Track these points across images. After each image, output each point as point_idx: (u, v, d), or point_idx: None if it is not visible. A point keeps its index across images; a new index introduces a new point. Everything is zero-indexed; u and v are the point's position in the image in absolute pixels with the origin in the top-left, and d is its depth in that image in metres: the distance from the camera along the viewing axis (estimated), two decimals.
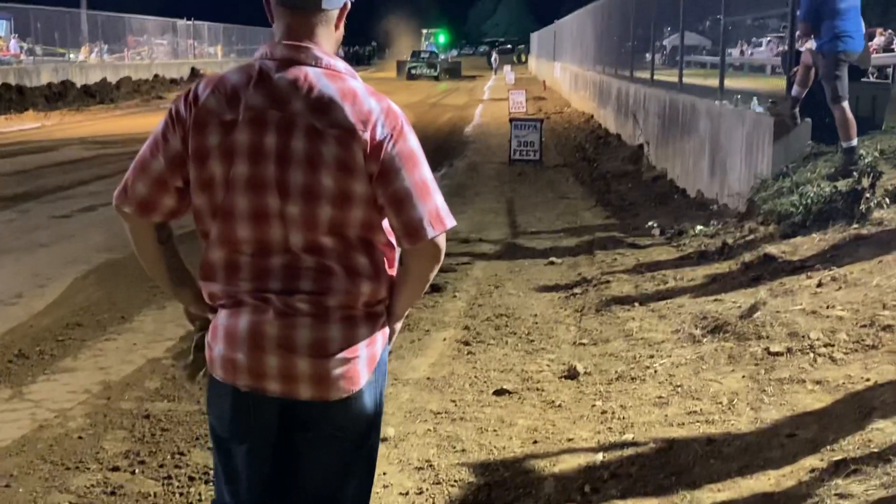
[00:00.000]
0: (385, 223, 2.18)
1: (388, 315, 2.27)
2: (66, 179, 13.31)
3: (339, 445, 2.26)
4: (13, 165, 14.85)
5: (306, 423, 2.21)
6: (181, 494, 3.89)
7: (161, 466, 4.15)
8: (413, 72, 52.84)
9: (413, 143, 2.15)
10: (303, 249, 2.12)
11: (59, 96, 28.99)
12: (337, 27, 2.20)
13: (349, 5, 2.22)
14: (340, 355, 2.15)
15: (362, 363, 2.19)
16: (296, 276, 2.13)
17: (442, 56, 62.20)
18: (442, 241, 2.18)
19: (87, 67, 34.49)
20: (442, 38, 72.83)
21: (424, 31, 74.13)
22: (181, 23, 47.72)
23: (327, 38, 2.18)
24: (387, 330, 2.29)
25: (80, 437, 4.47)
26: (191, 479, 4.03)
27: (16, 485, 3.98)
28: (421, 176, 2.13)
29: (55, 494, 3.90)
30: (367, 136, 2.07)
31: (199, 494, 3.89)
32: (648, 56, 16.69)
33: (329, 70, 2.14)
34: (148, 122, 23.34)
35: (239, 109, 2.09)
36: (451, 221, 2.17)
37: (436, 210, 2.14)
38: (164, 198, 2.17)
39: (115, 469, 4.12)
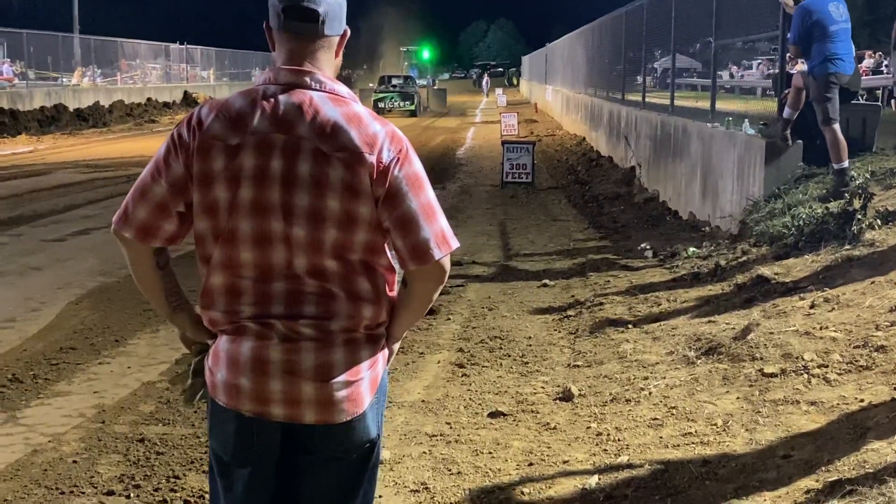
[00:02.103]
0: (386, 246, 2.20)
1: (388, 336, 2.29)
2: (59, 203, 13.30)
3: (341, 467, 2.27)
4: (6, 189, 14.83)
5: (309, 445, 2.22)
6: None
7: (156, 490, 4.13)
8: (379, 105, 37.45)
9: (417, 166, 2.18)
10: (306, 273, 2.13)
11: (52, 120, 29.00)
12: (337, 53, 2.24)
13: (349, 32, 2.26)
14: (344, 379, 2.16)
15: (365, 386, 2.21)
16: (299, 300, 2.14)
17: (422, 81, 49.22)
18: (447, 263, 2.21)
19: (79, 91, 34.52)
20: (426, 54, 59.94)
21: (404, 48, 60.61)
22: (174, 47, 47.83)
23: (328, 64, 2.21)
24: (386, 351, 2.31)
25: (74, 462, 4.45)
26: (186, 502, 4.01)
27: None
28: (426, 198, 2.17)
29: None
30: (373, 159, 2.10)
31: None
32: (639, 79, 16.80)
33: (332, 94, 2.17)
34: (141, 145, 23.39)
35: (244, 134, 2.11)
36: (455, 243, 2.21)
37: (441, 232, 2.17)
38: (165, 223, 2.18)
39: (110, 493, 4.11)
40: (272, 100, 2.13)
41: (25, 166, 18.63)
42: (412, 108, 38.80)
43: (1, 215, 12.17)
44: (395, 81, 41.67)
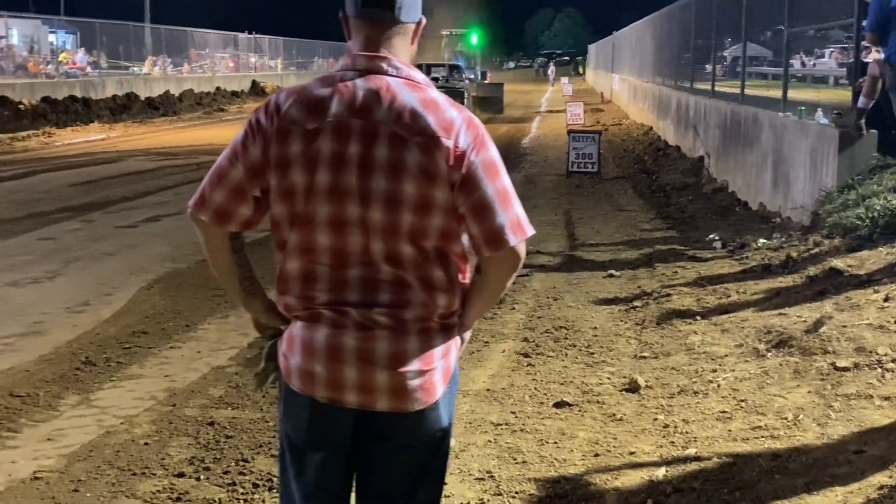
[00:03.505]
0: (459, 233, 2.20)
1: (460, 324, 2.29)
2: (130, 190, 13.57)
3: (413, 454, 2.28)
4: (80, 176, 15.18)
5: (382, 433, 2.23)
6: (245, 501, 3.93)
7: (225, 473, 4.20)
8: None
9: (494, 152, 2.18)
10: (382, 259, 2.14)
11: (124, 108, 29.58)
12: (413, 41, 2.24)
13: (424, 21, 2.26)
14: (417, 367, 2.17)
15: (438, 375, 2.21)
16: (374, 288, 2.15)
17: (470, 74, 36.11)
18: (522, 250, 2.20)
19: (150, 80, 35.17)
20: (475, 39, 43.16)
21: (446, 32, 43.15)
22: (242, 36, 48.44)
23: (404, 51, 2.22)
24: (458, 340, 2.31)
25: (146, 444, 4.54)
26: (255, 485, 4.07)
27: (84, 489, 4.06)
28: (502, 184, 2.17)
29: (122, 499, 3.97)
30: (450, 144, 2.11)
31: (263, 501, 3.93)
32: (708, 67, 16.55)
33: (409, 80, 2.18)
34: (210, 134, 23.75)
35: (322, 119, 2.12)
36: (530, 230, 2.20)
37: (517, 218, 2.17)
38: (241, 207, 2.19)
39: (181, 475, 4.18)
40: (350, 85, 2.14)
41: (98, 153, 19.04)
42: None
43: (75, 201, 12.46)
44: (435, 73, 30.23)
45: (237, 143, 2.19)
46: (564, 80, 48.42)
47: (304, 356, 2.18)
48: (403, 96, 2.14)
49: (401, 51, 2.21)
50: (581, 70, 73.95)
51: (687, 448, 4.26)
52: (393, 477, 2.30)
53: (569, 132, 16.44)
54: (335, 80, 2.17)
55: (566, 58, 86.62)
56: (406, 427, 2.22)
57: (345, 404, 2.18)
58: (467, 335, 2.37)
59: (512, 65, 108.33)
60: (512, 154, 19.47)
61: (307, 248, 2.16)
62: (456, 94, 25.55)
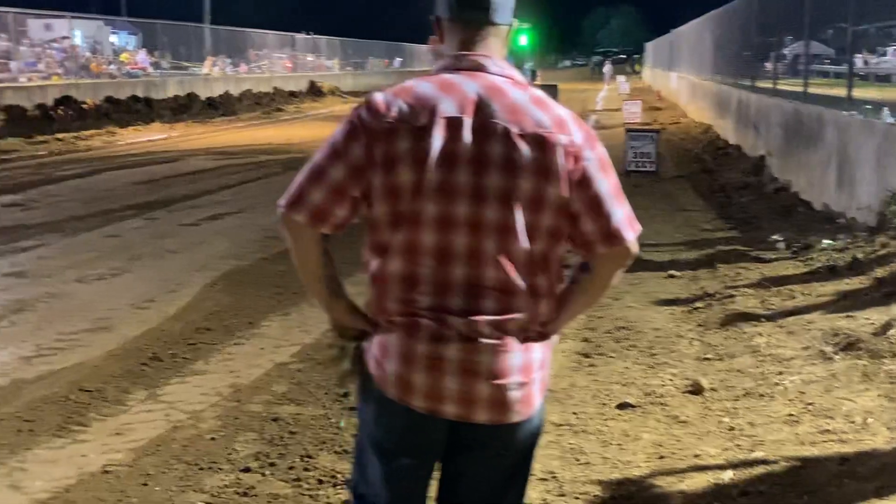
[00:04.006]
0: (565, 235, 2.17)
1: (554, 327, 2.27)
2: (192, 189, 13.76)
3: (505, 462, 2.27)
4: (143, 175, 15.43)
5: (476, 443, 2.22)
6: (311, 497, 3.97)
7: (290, 469, 4.24)
8: None
9: (603, 148, 2.19)
10: (490, 261, 2.10)
11: (184, 108, 29.96)
12: (506, 43, 2.24)
13: (516, 24, 2.27)
14: (518, 380, 2.14)
15: (537, 387, 2.20)
16: (478, 294, 2.11)
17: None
18: (636, 245, 2.20)
19: (210, 80, 35.63)
20: (524, 40, 40.08)
21: None
22: (300, 36, 48.83)
23: (499, 53, 2.22)
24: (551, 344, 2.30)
25: (212, 439, 4.61)
26: (319, 481, 4.11)
27: (152, 483, 4.13)
28: (615, 179, 2.18)
29: (190, 494, 4.03)
30: (565, 140, 2.11)
31: (328, 497, 3.96)
32: (768, 65, 16.31)
33: (512, 79, 2.18)
34: (268, 133, 23.99)
35: (431, 116, 2.09)
36: (639, 225, 2.21)
37: (630, 213, 2.19)
38: (339, 208, 2.14)
39: (247, 470, 4.23)
40: (456, 83, 2.14)
41: (159, 153, 19.34)
42: None
43: (138, 199, 12.68)
44: None
45: (337, 141, 2.15)
46: (621, 78, 47.98)
47: (402, 364, 2.14)
48: (512, 94, 2.13)
49: (496, 52, 2.21)
50: (637, 68, 73.32)
51: (753, 451, 4.22)
52: (482, 484, 2.29)
53: (627, 131, 16.30)
54: (439, 79, 2.16)
55: (622, 56, 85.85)
56: (502, 437, 2.20)
57: (443, 415, 2.14)
58: (556, 338, 2.35)
59: (567, 63, 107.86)
60: None
61: (411, 248, 2.12)
62: None
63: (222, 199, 12.79)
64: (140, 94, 29.01)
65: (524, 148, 2.08)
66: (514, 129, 2.08)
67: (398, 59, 63.66)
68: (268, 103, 35.98)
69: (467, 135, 2.08)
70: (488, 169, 2.07)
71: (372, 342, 2.23)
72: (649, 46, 61.43)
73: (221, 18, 44.95)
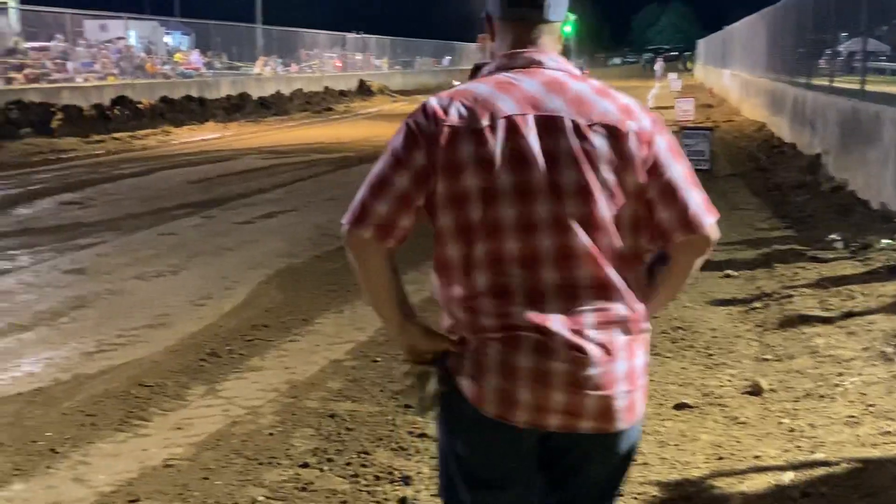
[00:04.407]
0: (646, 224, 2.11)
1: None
2: (246, 187, 13.90)
3: (608, 468, 2.21)
4: (198, 174, 15.63)
5: (585, 451, 2.16)
6: (368, 493, 3.99)
7: (348, 465, 4.27)
8: None
9: (671, 134, 2.14)
10: (580, 259, 2.02)
11: (237, 108, 30.29)
12: (559, 40, 2.20)
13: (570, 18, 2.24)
14: (625, 388, 2.06)
15: (640, 394, 2.12)
16: (574, 295, 2.03)
17: None
18: (716, 230, 2.12)
19: (262, 80, 35.97)
20: (567, 28, 35.96)
21: None
22: (350, 36, 49.09)
23: (553, 50, 2.18)
24: None
25: (270, 434, 4.66)
26: (377, 478, 4.13)
27: (213, 477, 4.18)
28: (686, 164, 2.12)
29: (250, 488, 4.08)
30: (635, 127, 2.05)
31: (385, 494, 3.98)
32: (822, 62, 16.05)
33: (570, 73, 2.13)
34: (319, 133, 24.16)
35: (491, 117, 2.02)
36: (717, 211, 2.13)
37: (706, 198, 2.12)
38: (404, 218, 2.04)
39: (305, 465, 4.27)
40: (515, 81, 2.08)
41: (213, 152, 19.57)
42: None
43: (194, 198, 12.84)
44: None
45: (397, 149, 2.06)
46: (672, 75, 47.41)
47: (503, 379, 2.03)
48: (574, 86, 2.08)
49: (550, 48, 2.17)
50: (689, 66, 72.59)
51: (814, 453, 4.16)
52: (583, 490, 2.23)
53: (680, 129, 16.15)
54: (496, 78, 2.11)
55: (674, 53, 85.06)
56: (607, 446, 2.13)
57: (545, 427, 2.06)
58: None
59: (618, 61, 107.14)
60: None
61: (496, 258, 2.02)
62: None
63: (275, 198, 12.91)
64: (194, 93, 29.39)
65: (596, 139, 2.02)
66: (583, 121, 2.02)
67: (447, 58, 63.72)
68: (318, 102, 36.23)
69: (533, 132, 2.01)
70: (561, 164, 2.01)
71: (459, 361, 2.10)
72: (701, 43, 60.79)
73: (273, 18, 45.34)
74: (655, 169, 2.05)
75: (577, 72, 2.15)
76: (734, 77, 33.28)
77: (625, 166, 2.03)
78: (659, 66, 60.58)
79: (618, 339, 2.04)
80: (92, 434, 4.70)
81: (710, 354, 5.77)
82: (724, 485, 3.94)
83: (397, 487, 4.03)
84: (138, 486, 4.10)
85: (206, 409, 5.03)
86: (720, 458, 4.22)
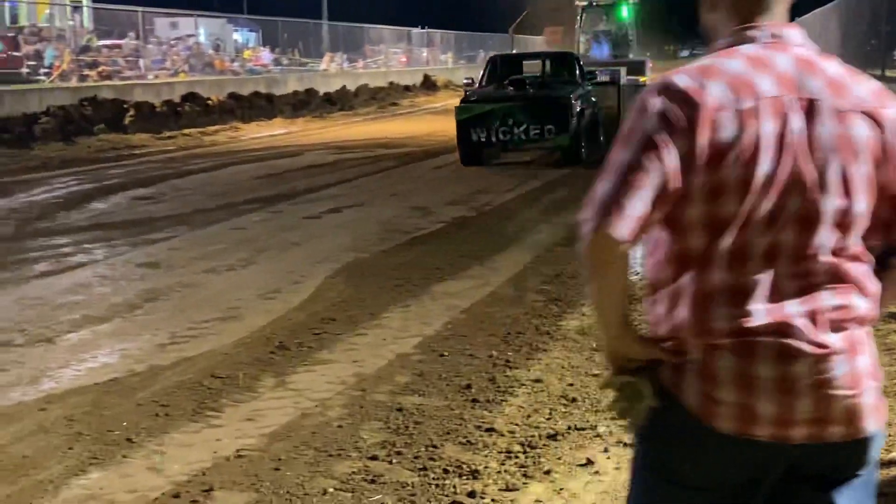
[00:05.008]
0: None
1: None
2: (312, 182, 14.04)
3: (853, 488, 1.87)
4: (266, 169, 15.84)
5: (832, 465, 1.87)
6: (437, 486, 4.02)
7: (416, 458, 4.30)
8: (472, 137, 15.07)
9: None
10: (825, 255, 1.82)
11: (304, 104, 30.56)
12: (788, 10, 1.96)
13: None
14: (872, 384, 1.84)
15: (879, 392, 1.88)
16: (815, 294, 1.82)
17: (604, 75, 17.93)
18: None
19: (328, 76, 36.26)
20: (625, 13, 30.58)
21: (583, 2, 30.46)
22: (415, 31, 49.24)
23: (787, 19, 1.95)
24: None
25: (339, 426, 4.71)
26: (445, 471, 4.15)
27: (284, 468, 4.25)
28: None
29: (320, 479, 4.13)
30: (893, 114, 1.85)
31: (454, 487, 4.00)
32: None
33: (817, 51, 1.91)
34: (383, 128, 24.29)
35: (754, 98, 1.79)
36: None
37: None
38: (657, 214, 1.78)
39: (374, 458, 4.31)
40: (764, 58, 1.84)
41: (280, 147, 19.80)
42: (565, 142, 14.98)
43: (262, 193, 13.02)
44: (526, 76, 16.77)
45: (647, 138, 1.78)
46: None
47: (742, 392, 1.81)
48: (827, 66, 1.86)
49: (787, 22, 1.92)
50: None
51: (890, 451, 4.08)
52: None
53: None
54: (746, 53, 1.85)
55: None
56: (855, 455, 1.86)
57: (789, 440, 1.82)
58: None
59: (686, 53, 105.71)
60: None
61: (741, 254, 1.81)
62: (558, 117, 14.68)
63: (341, 193, 13.02)
64: (262, 90, 29.73)
65: (858, 127, 1.82)
66: (841, 105, 1.82)
67: (512, 52, 63.46)
68: (383, 98, 36.36)
69: (797, 117, 1.80)
70: (826, 154, 1.80)
71: (677, 372, 1.88)
72: None
73: (338, 14, 45.72)
74: None
75: (818, 50, 1.92)
76: None
77: (889, 158, 1.84)
78: None
79: (857, 333, 1.84)
80: (166, 424, 4.81)
81: None
82: None
83: (466, 481, 4.04)
84: (211, 476, 4.18)
85: (276, 401, 5.11)
86: None
